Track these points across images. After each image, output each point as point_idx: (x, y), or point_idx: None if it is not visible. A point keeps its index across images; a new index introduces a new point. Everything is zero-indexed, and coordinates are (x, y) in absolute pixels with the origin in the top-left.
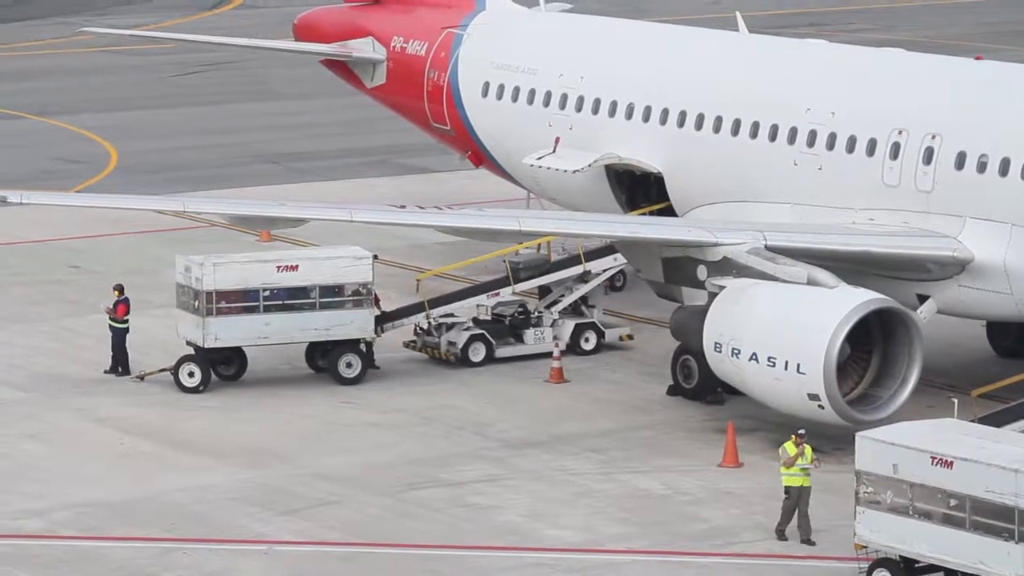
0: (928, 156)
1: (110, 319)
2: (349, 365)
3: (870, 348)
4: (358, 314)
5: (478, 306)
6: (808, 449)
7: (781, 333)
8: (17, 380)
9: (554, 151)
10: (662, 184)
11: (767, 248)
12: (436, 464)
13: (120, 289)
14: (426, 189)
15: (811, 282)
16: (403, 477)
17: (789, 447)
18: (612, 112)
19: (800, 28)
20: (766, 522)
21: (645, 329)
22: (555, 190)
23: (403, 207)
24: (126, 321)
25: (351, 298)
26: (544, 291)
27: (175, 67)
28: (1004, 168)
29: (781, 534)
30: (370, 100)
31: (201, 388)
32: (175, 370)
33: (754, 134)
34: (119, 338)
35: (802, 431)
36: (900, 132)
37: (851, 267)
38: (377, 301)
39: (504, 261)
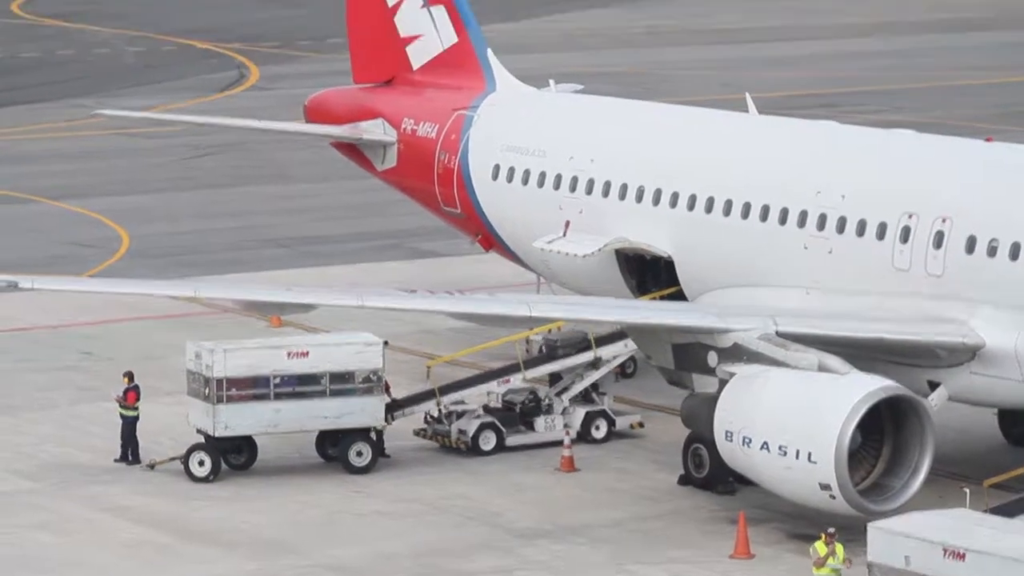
0: (939, 240)
1: (120, 407)
2: (359, 454)
3: (881, 436)
4: (368, 402)
5: (489, 393)
6: (839, 548)
7: (792, 421)
8: (27, 469)
9: (564, 235)
10: (672, 268)
11: (778, 334)
12: (446, 554)
13: (130, 376)
14: (436, 273)
15: (822, 369)
16: (413, 568)
17: (819, 547)
18: (622, 195)
19: (810, 109)
20: None
21: (656, 417)
22: (565, 274)
23: (414, 292)
24: (136, 408)
25: (362, 385)
26: (555, 378)
27: (187, 149)
28: (1015, 252)
29: None
30: (381, 183)
31: (211, 477)
32: (185, 459)
33: (764, 217)
34: (129, 426)
35: (832, 530)
36: (910, 215)
37: (862, 353)
38: (387, 388)
39: (524, 342)
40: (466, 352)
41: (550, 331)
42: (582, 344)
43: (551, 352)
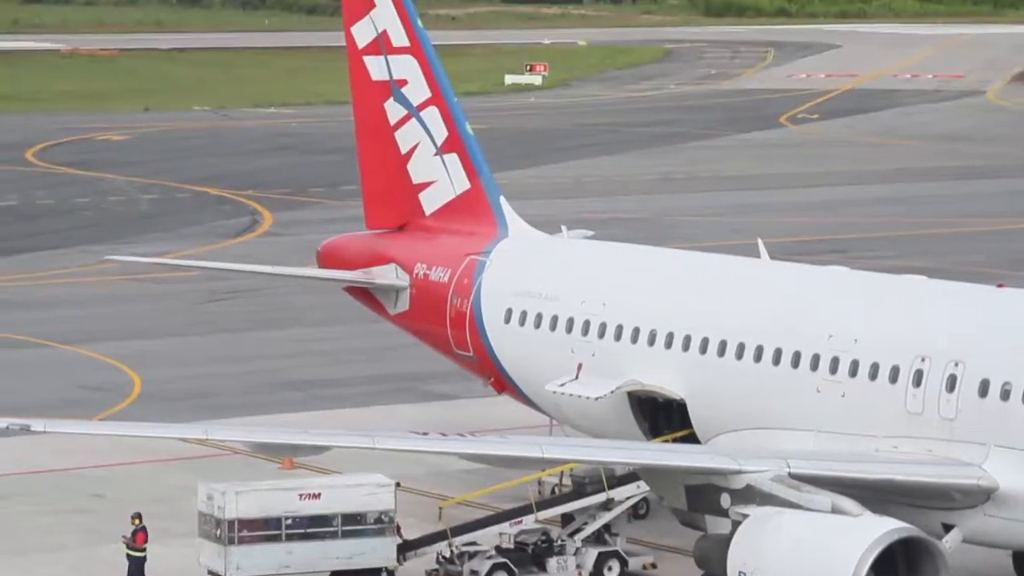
0: (951, 383)
1: (128, 547)
2: None
3: None
4: (381, 542)
5: (501, 534)
6: None
7: (805, 563)
8: None
9: (577, 378)
10: (685, 411)
11: (791, 476)
12: None
13: (138, 517)
14: (449, 415)
15: (835, 510)
16: None
17: None
18: (634, 338)
19: (821, 255)
20: None
21: (669, 558)
22: (578, 417)
23: (426, 434)
24: (144, 549)
25: (374, 526)
26: (567, 519)
27: (199, 294)
28: None
29: None
30: (393, 327)
31: None
32: None
33: (776, 361)
34: (137, 567)
35: None
36: (923, 359)
37: (875, 495)
38: (399, 529)
39: (537, 483)
40: (478, 493)
41: (571, 470)
42: (609, 480)
43: (578, 489)
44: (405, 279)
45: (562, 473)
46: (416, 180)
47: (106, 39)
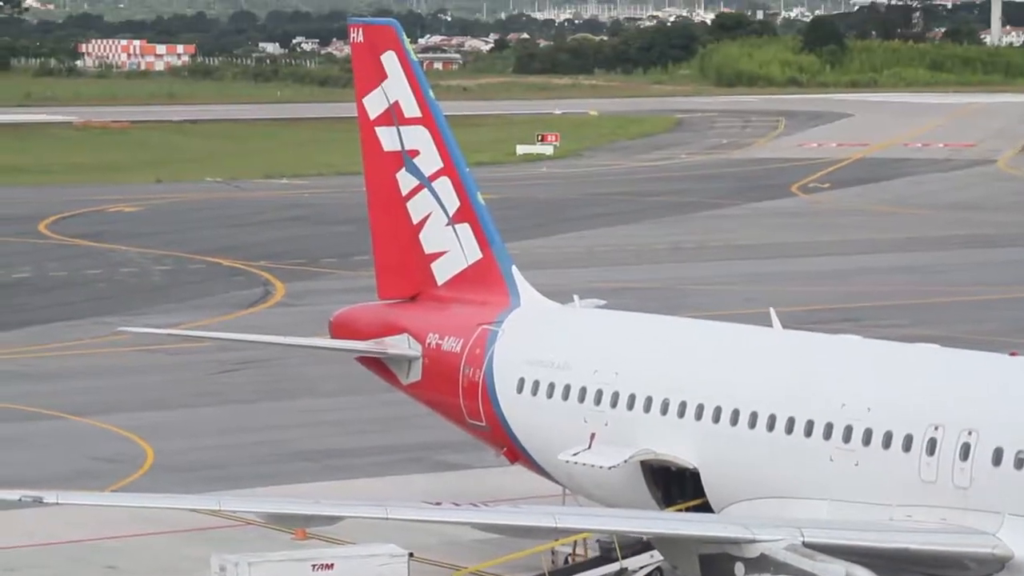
0: (965, 452)
1: None
2: None
3: None
4: None
5: None
6: None
7: None
8: None
9: (590, 447)
10: (698, 480)
11: (805, 545)
12: None
13: None
14: (462, 485)
15: None
16: None
17: None
18: (647, 407)
19: (834, 324)
20: None
21: None
22: (591, 486)
23: (439, 504)
24: None
25: None
26: None
27: (212, 365)
28: None
29: None
30: (406, 397)
31: None
32: None
33: (789, 429)
34: None
35: None
36: (936, 428)
37: (889, 564)
38: None
39: (550, 553)
40: (492, 563)
41: (585, 539)
42: (637, 546)
43: (606, 555)
44: (417, 349)
45: (575, 542)
46: (428, 250)
47: (118, 111)
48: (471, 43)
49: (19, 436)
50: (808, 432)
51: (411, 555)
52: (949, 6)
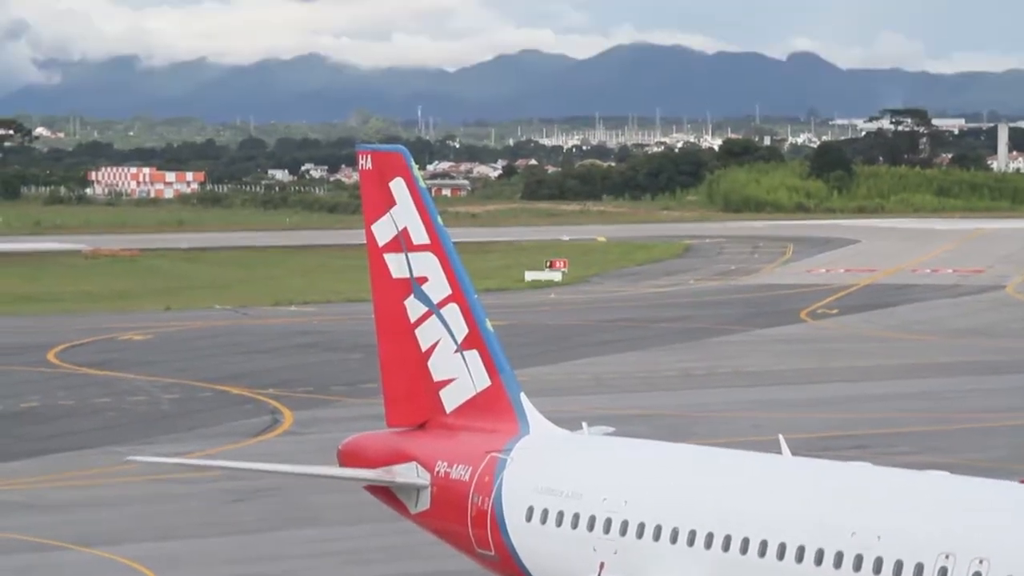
0: None
1: None
2: None
3: None
4: None
5: None
6: None
7: None
8: None
9: None
10: None
11: None
12: None
13: None
14: None
15: None
16: None
17: None
18: (656, 536)
19: (844, 451)
20: None
21: None
22: None
23: None
24: None
25: None
26: None
27: (220, 494)
28: None
29: None
30: (414, 526)
31: None
32: None
33: (800, 558)
34: None
35: None
36: (947, 556)
37: None
38: None
39: None
40: None
41: None
42: None
43: None
44: (426, 477)
45: None
46: (436, 377)
47: (127, 239)
48: (479, 169)
49: (24, 568)
50: (818, 561)
51: None
52: (956, 132)
